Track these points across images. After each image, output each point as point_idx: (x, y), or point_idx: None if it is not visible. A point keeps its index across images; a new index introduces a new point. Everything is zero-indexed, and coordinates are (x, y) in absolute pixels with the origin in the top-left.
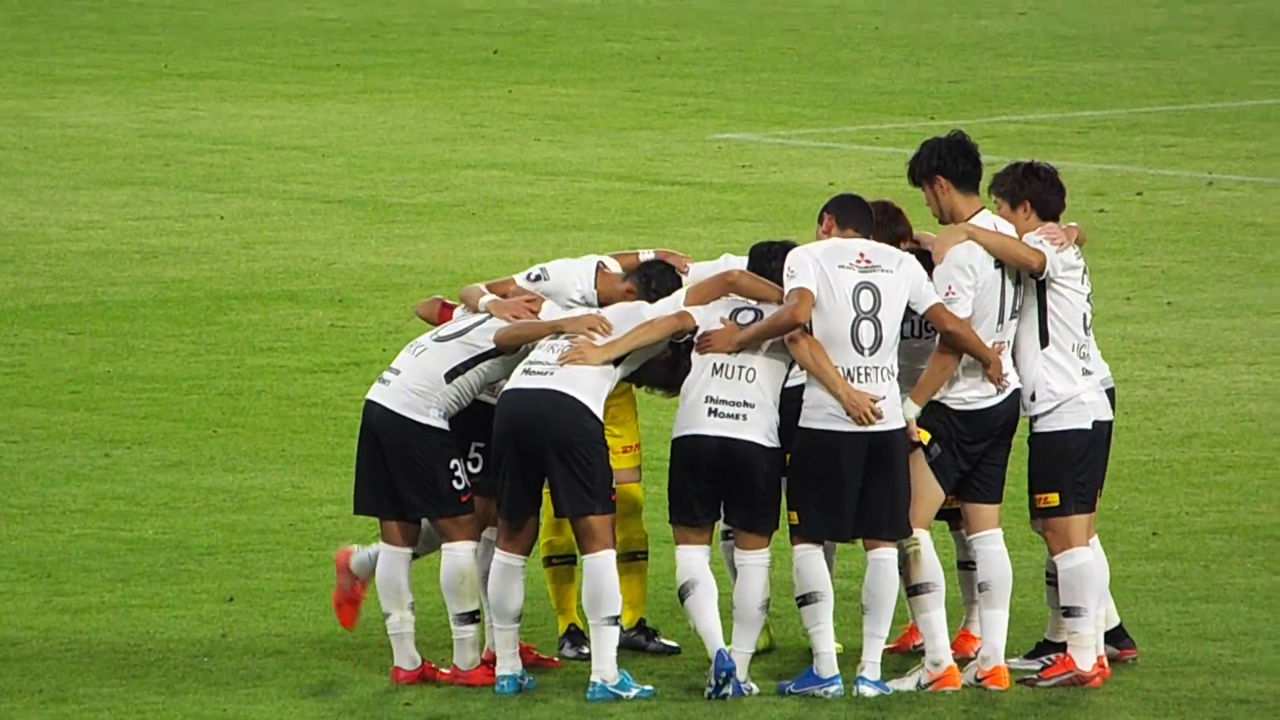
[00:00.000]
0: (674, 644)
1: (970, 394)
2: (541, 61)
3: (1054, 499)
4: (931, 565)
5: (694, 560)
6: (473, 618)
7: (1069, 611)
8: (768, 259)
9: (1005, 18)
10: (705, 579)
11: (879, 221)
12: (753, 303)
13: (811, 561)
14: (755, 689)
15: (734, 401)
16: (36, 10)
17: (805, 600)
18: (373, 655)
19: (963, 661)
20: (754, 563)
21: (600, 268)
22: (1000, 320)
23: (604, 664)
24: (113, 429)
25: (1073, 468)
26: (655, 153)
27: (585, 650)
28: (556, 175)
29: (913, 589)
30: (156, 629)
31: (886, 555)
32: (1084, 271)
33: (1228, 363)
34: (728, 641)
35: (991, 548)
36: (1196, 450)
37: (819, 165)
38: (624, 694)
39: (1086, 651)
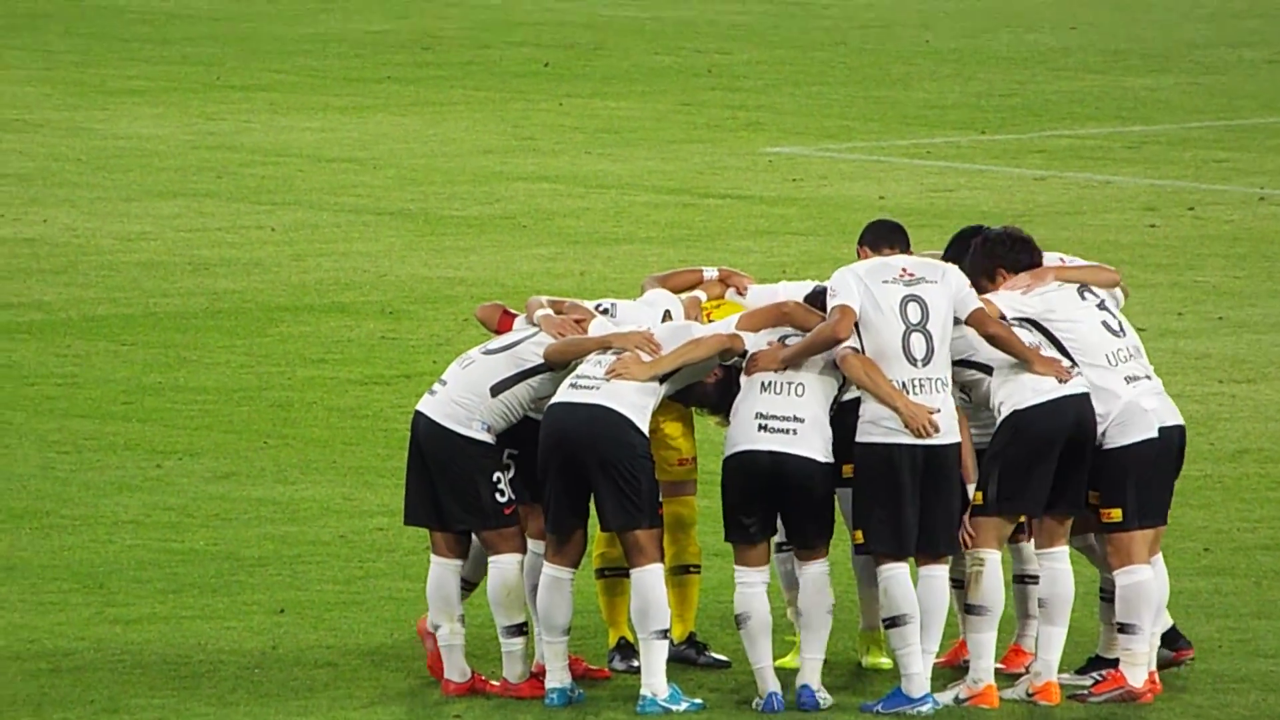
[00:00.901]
0: (724, 658)
1: (1028, 395)
2: (592, 75)
3: (1117, 514)
4: (992, 590)
5: (751, 590)
6: (520, 630)
7: (1124, 628)
8: (823, 300)
9: (1056, 32)
10: (760, 612)
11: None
12: (803, 333)
13: (899, 581)
14: (829, 699)
15: (784, 416)
16: (88, 22)
17: (894, 622)
18: (424, 667)
19: (1012, 678)
20: (815, 571)
21: (667, 316)
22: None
23: (653, 677)
24: (164, 440)
25: (1138, 482)
26: (705, 166)
27: (635, 663)
28: (607, 188)
29: (969, 608)
30: (207, 640)
31: (939, 572)
32: (1080, 291)
33: None
34: (781, 656)
35: (1058, 565)
36: (1248, 466)
37: (870, 179)
38: (674, 707)
39: (1139, 668)
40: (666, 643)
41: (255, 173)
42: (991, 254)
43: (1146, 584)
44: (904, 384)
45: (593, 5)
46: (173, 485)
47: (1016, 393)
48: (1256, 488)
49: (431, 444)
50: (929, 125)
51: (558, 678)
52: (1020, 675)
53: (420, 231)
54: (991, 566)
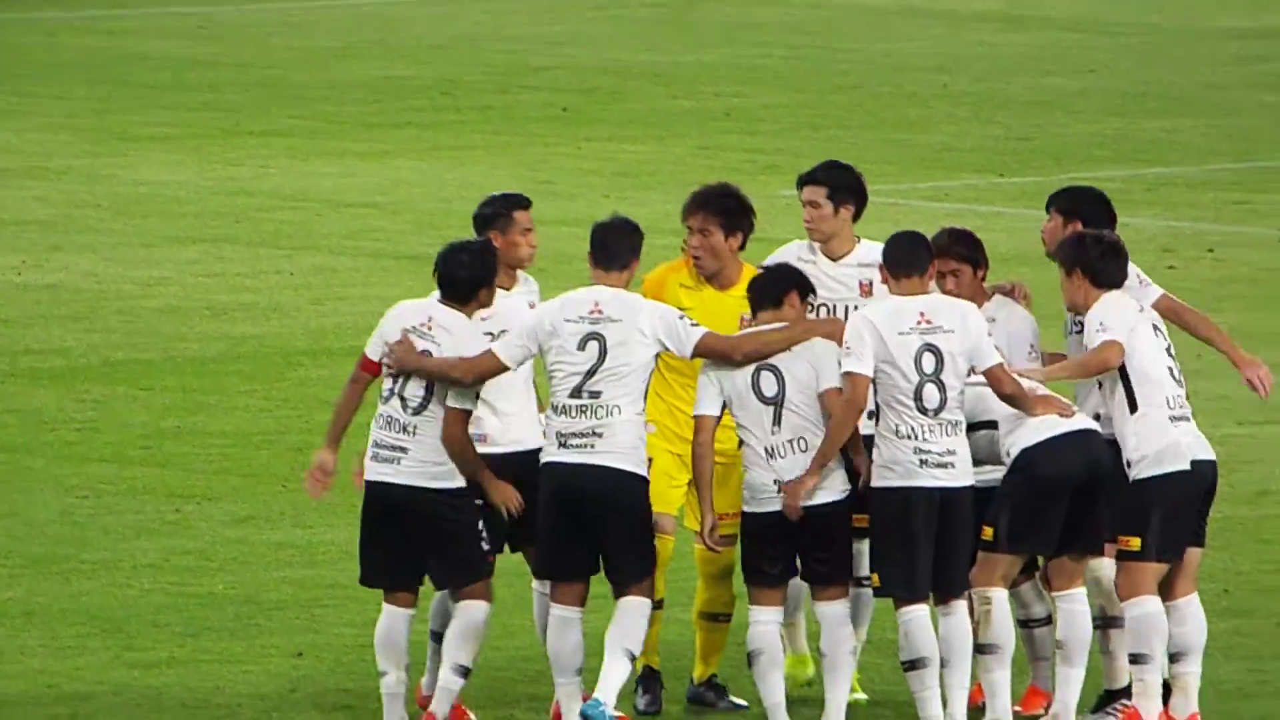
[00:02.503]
0: (743, 702)
1: (1031, 435)
2: (610, 119)
3: (1135, 543)
4: (1003, 627)
5: (763, 628)
6: (467, 673)
7: (1136, 659)
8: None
9: (1073, 75)
10: (771, 648)
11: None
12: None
13: (920, 625)
14: None
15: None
16: (109, 70)
17: (914, 665)
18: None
19: (1030, 719)
20: (836, 612)
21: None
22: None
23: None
24: (183, 484)
25: (1163, 514)
26: None
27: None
28: None
29: (981, 648)
30: (226, 683)
31: (958, 607)
32: (1153, 328)
33: None
34: (814, 692)
35: (1077, 607)
36: (1268, 508)
37: (888, 221)
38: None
39: (1153, 700)
40: (630, 666)
41: (274, 218)
42: (1080, 253)
43: (1156, 615)
44: (913, 429)
45: (610, 50)
46: (191, 529)
47: (1021, 434)
48: (1277, 529)
49: (419, 508)
50: (947, 168)
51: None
52: (1038, 717)
53: None
54: (999, 604)
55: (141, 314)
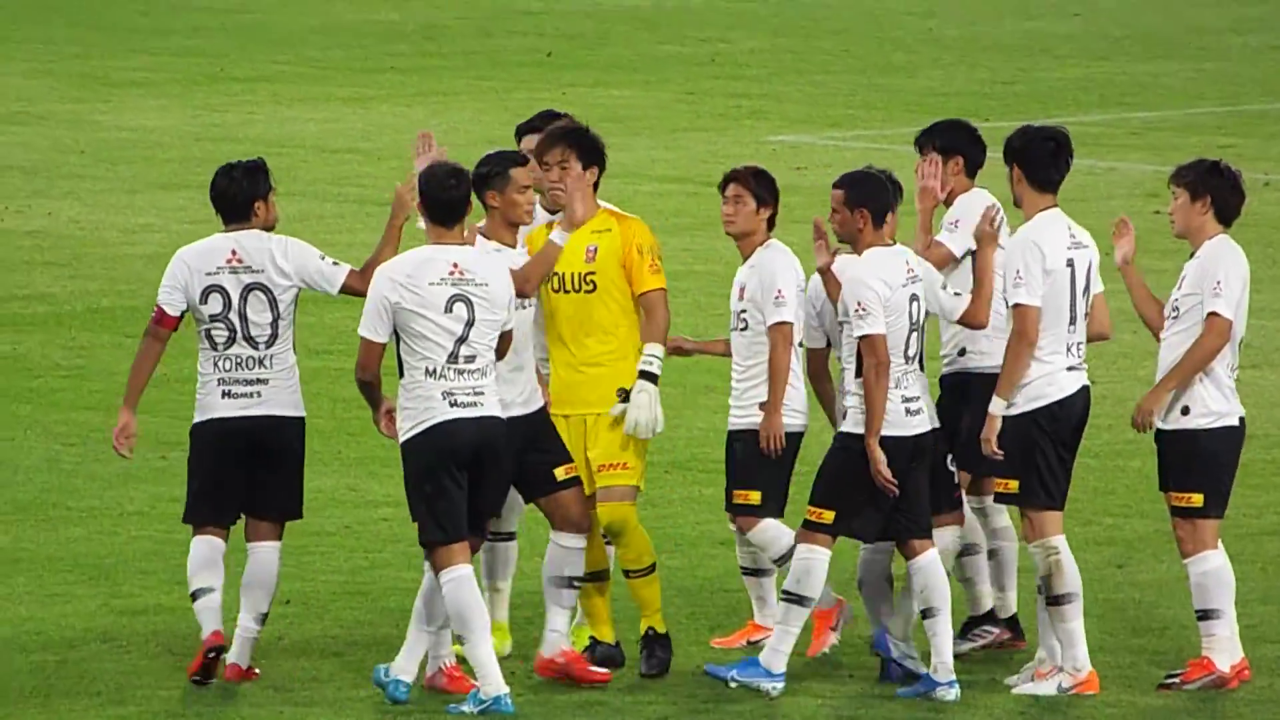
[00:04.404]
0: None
1: (1053, 391)
2: (595, 64)
3: (1198, 499)
4: (1073, 574)
5: (866, 555)
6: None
7: (1205, 615)
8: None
9: (1058, 19)
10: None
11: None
12: None
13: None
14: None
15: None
16: (91, 14)
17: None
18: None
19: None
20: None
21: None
22: (1073, 321)
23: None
24: (170, 431)
25: (1221, 467)
26: (709, 155)
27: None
28: (610, 177)
29: (1056, 599)
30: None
31: (933, 553)
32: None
33: None
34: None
35: (1067, 555)
36: (1254, 452)
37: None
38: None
39: (1225, 653)
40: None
41: None
42: (1209, 181)
43: (1222, 569)
44: (896, 379)
45: None
46: (178, 476)
47: (1040, 391)
48: (1262, 474)
49: (280, 437)
50: (933, 113)
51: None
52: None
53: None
54: (1065, 551)
55: (126, 260)
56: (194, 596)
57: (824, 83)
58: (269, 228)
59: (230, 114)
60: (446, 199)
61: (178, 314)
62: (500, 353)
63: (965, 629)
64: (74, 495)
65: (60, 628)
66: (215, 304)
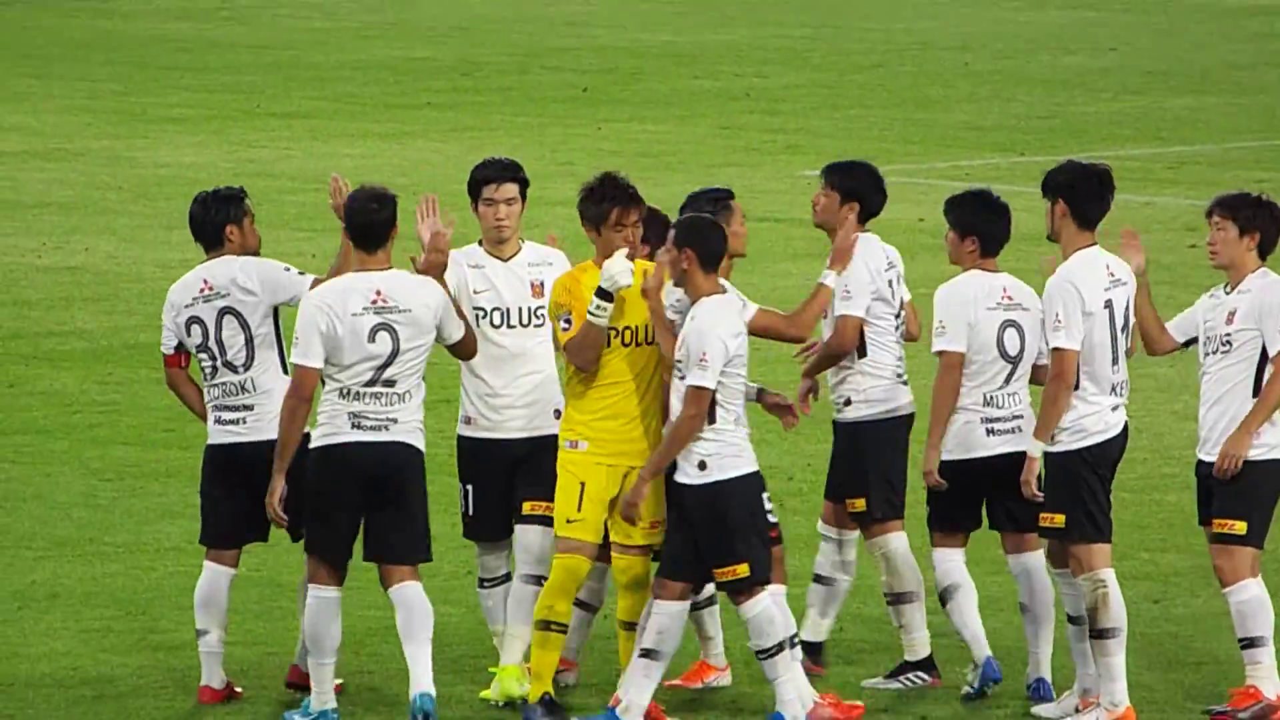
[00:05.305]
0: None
1: (1096, 433)
2: (630, 99)
3: (1241, 527)
4: (1119, 608)
5: (953, 564)
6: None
7: (1248, 643)
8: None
9: (1095, 54)
10: (966, 582)
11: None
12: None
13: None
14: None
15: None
16: (129, 51)
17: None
18: (474, 687)
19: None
20: (1039, 563)
21: None
22: (1115, 360)
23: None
24: None
25: (1265, 498)
26: (744, 189)
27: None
28: None
29: (1101, 633)
30: (249, 665)
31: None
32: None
33: None
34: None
35: (1115, 588)
36: None
37: (909, 201)
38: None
39: (1269, 680)
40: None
41: (295, 200)
42: (1258, 216)
43: (1260, 596)
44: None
45: (630, 30)
46: None
47: (1086, 429)
48: None
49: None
50: (968, 147)
51: (324, 700)
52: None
53: None
54: (1114, 585)
55: (163, 296)
56: (198, 634)
57: (859, 116)
58: (249, 253)
59: (267, 150)
60: (367, 223)
61: (172, 350)
62: (466, 354)
63: (896, 671)
64: (111, 530)
65: (97, 663)
66: (197, 335)
